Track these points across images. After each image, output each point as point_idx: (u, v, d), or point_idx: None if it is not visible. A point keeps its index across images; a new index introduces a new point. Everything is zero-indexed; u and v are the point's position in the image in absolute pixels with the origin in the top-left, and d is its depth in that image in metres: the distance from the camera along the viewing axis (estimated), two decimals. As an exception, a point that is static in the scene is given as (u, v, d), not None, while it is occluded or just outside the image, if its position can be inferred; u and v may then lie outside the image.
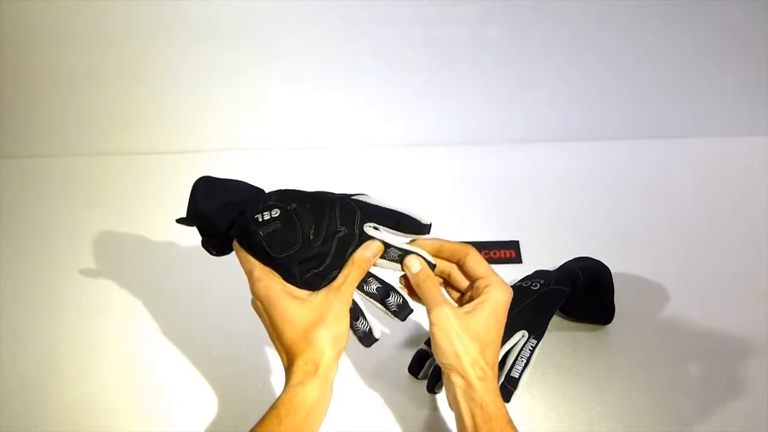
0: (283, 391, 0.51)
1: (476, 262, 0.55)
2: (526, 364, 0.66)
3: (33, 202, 0.99)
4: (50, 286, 0.85)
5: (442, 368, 0.54)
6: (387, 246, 0.55)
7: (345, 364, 0.72)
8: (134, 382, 0.72)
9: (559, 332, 0.74)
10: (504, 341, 0.67)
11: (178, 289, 0.83)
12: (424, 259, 0.55)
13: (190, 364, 0.74)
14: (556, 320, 0.74)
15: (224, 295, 0.78)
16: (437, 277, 0.57)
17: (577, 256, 0.77)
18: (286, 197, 0.54)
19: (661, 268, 0.81)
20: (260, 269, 0.52)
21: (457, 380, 0.52)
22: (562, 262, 0.76)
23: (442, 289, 0.57)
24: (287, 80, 0.99)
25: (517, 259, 0.85)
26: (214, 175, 0.56)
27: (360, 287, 0.56)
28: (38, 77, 1.00)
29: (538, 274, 0.74)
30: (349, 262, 0.54)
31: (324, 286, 0.54)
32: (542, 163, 1.01)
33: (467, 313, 0.53)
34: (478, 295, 0.54)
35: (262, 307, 0.52)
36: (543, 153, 1.02)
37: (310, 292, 0.53)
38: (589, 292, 0.72)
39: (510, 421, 0.51)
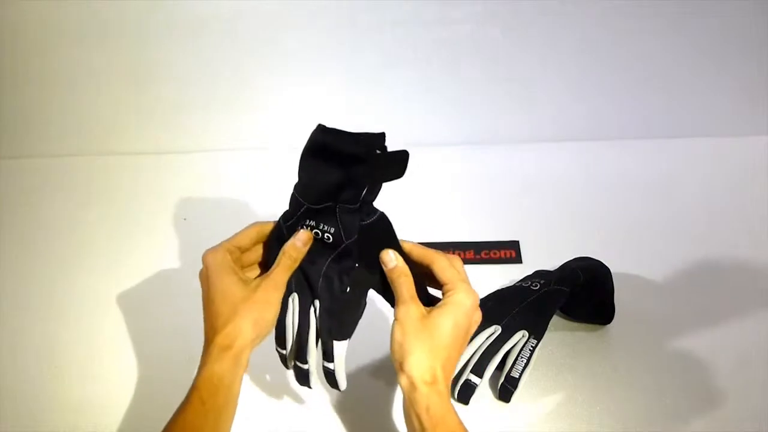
0: (201, 369, 0.50)
1: (441, 269, 0.54)
2: (526, 364, 0.66)
3: (33, 202, 0.99)
4: (50, 286, 0.85)
5: (396, 370, 0.52)
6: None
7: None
8: (134, 382, 0.72)
9: (559, 332, 0.74)
10: (504, 341, 0.67)
11: (179, 289, 0.82)
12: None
13: (191, 364, 0.73)
14: (556, 320, 0.74)
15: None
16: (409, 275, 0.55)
17: (577, 256, 0.77)
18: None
19: (661, 268, 0.81)
20: (233, 246, 0.54)
21: (402, 381, 0.50)
22: (562, 262, 0.76)
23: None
24: (287, 80, 0.99)
25: (517, 259, 0.85)
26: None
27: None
28: (38, 77, 1.00)
29: (538, 274, 0.74)
30: (281, 251, 0.54)
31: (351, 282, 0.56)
32: (542, 163, 1.00)
33: (427, 315, 0.52)
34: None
35: (205, 273, 0.53)
36: (543, 153, 1.02)
37: (253, 278, 0.55)
38: (589, 292, 0.72)
39: (462, 430, 0.49)
